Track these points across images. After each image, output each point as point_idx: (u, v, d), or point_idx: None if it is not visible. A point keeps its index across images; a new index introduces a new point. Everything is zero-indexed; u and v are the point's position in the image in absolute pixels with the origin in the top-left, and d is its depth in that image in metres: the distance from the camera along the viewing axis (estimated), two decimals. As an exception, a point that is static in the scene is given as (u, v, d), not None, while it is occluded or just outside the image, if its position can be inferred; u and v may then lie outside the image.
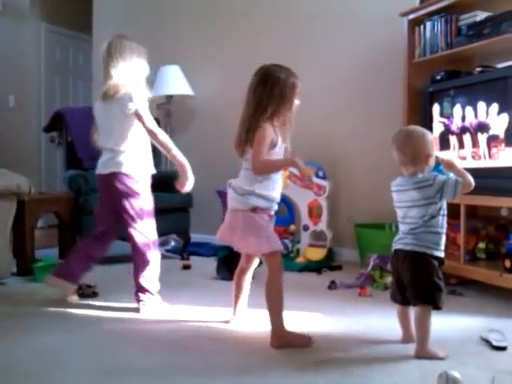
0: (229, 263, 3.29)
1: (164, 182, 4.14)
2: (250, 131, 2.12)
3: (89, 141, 2.79)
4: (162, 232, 4.00)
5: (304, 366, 1.85)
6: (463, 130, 2.87)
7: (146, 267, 2.59)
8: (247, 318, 2.38)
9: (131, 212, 2.58)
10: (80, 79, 6.56)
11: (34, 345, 2.07)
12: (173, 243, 4.54)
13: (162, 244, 4.54)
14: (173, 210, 3.91)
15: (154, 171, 2.74)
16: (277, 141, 2.13)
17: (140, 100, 2.49)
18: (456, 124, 2.92)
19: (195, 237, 4.23)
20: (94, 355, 1.97)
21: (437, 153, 2.09)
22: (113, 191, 2.55)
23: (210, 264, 3.55)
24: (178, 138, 4.84)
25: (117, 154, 2.54)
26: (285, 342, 2.03)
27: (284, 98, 2.11)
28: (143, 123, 2.51)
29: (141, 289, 2.58)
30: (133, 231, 2.59)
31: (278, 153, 2.16)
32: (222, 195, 4.19)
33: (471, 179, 1.94)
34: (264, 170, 2.13)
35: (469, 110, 2.84)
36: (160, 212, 3.83)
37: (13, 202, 3.12)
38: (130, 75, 2.54)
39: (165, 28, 4.96)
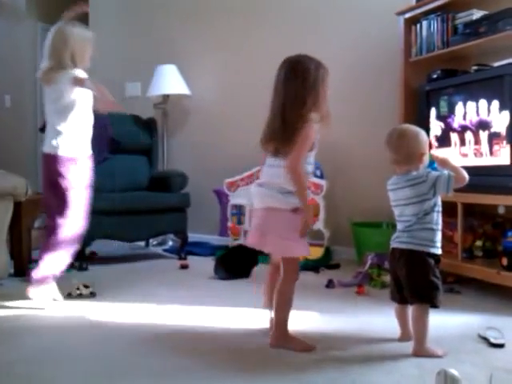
0: (226, 263, 3.30)
1: (161, 182, 4.15)
2: (290, 128, 1.96)
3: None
4: (159, 232, 4.04)
5: (302, 364, 1.85)
6: (464, 127, 2.88)
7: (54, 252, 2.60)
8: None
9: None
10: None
11: (31, 346, 2.07)
12: (170, 243, 4.54)
13: (159, 244, 4.56)
14: (170, 209, 3.90)
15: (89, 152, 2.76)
16: (315, 144, 2.02)
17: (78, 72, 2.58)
18: (458, 122, 2.92)
19: (193, 236, 4.23)
20: (93, 356, 1.96)
21: (433, 151, 2.10)
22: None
23: (207, 264, 3.55)
24: (175, 138, 4.85)
25: (57, 134, 2.62)
26: (284, 344, 1.99)
27: (318, 89, 1.98)
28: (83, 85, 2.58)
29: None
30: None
31: (311, 155, 2.05)
32: (220, 194, 4.20)
33: (465, 174, 1.94)
34: (295, 179, 1.96)
35: (467, 107, 2.85)
36: (157, 212, 3.86)
37: (9, 203, 3.11)
38: (71, 61, 2.61)
39: (161, 27, 4.95)
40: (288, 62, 2.03)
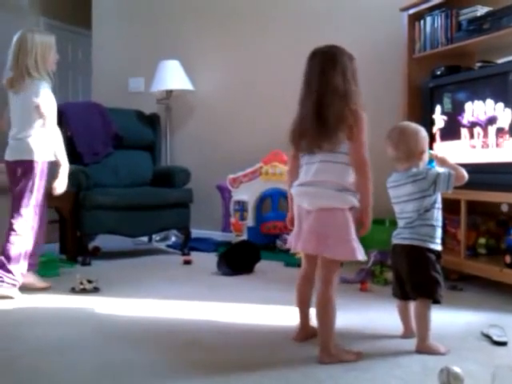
0: (229, 259, 3.31)
1: (164, 178, 4.15)
2: (335, 122, 1.83)
3: (89, 136, 2.83)
4: (162, 227, 4.05)
5: (305, 360, 1.85)
6: (469, 123, 2.87)
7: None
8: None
9: None
10: (79, 74, 6.55)
11: (35, 340, 2.08)
12: (173, 239, 4.55)
13: (162, 239, 4.57)
14: (173, 205, 3.91)
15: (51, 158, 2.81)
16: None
17: (43, 95, 2.67)
18: (462, 118, 2.91)
19: (196, 232, 4.23)
20: (96, 351, 1.97)
21: (433, 152, 2.10)
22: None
23: (210, 259, 3.55)
24: (178, 133, 4.85)
25: (22, 141, 2.70)
26: (336, 359, 1.82)
27: (356, 81, 1.91)
28: (44, 118, 2.69)
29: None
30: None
31: None
32: (222, 190, 4.20)
33: (464, 173, 1.96)
34: (366, 171, 1.86)
35: (471, 104, 2.84)
36: (160, 207, 3.87)
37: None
38: (35, 67, 2.68)
39: (164, 23, 4.94)
40: (321, 53, 1.94)
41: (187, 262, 3.61)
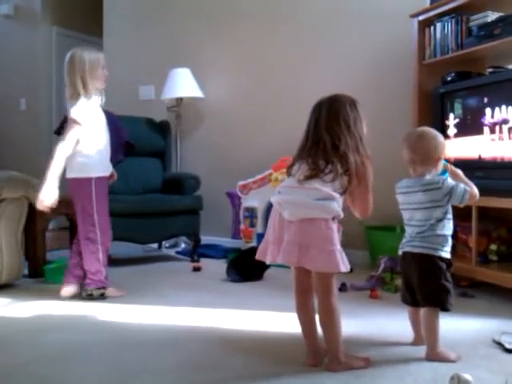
0: (239, 265, 3.30)
1: (174, 185, 4.16)
2: (345, 163, 1.83)
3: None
4: (172, 234, 4.05)
5: (315, 368, 1.84)
6: (481, 127, 2.85)
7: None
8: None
9: None
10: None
11: (45, 346, 2.08)
12: (183, 245, 4.56)
13: (172, 246, 4.57)
14: (183, 212, 3.92)
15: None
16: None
17: (77, 112, 2.70)
18: (474, 124, 2.90)
19: (205, 239, 4.24)
20: (106, 357, 1.97)
21: (451, 165, 2.08)
22: None
23: (220, 266, 3.55)
24: (188, 141, 4.87)
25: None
26: (346, 367, 1.81)
27: (360, 134, 1.92)
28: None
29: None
30: None
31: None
32: (232, 197, 4.20)
33: (476, 191, 1.96)
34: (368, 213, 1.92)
35: (482, 110, 2.83)
36: (170, 214, 3.88)
37: (24, 205, 3.15)
38: (81, 86, 2.73)
39: (175, 31, 4.98)
40: (324, 105, 1.92)
41: (196, 269, 3.61)
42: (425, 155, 1.96)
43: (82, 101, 2.73)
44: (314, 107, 1.95)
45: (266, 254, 1.89)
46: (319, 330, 1.86)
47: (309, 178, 1.82)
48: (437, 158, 1.97)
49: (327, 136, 1.86)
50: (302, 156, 1.91)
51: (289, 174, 1.93)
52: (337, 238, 1.79)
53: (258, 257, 1.95)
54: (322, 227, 1.77)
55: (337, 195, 1.80)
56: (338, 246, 1.78)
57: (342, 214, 1.82)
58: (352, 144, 1.87)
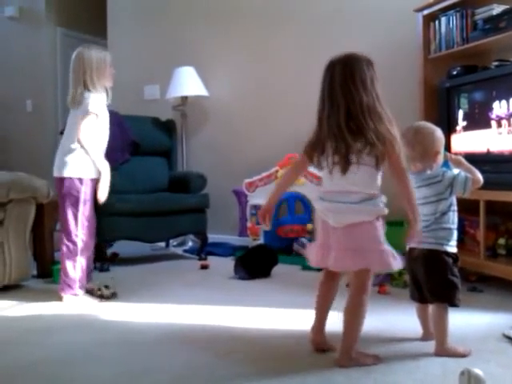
0: (246, 263, 3.30)
1: (180, 183, 4.17)
2: (372, 139, 1.75)
3: (106, 143, 2.85)
4: (179, 232, 4.06)
5: (324, 363, 1.84)
6: (488, 121, 2.83)
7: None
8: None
9: None
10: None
11: (54, 346, 2.09)
12: (190, 243, 4.56)
13: (179, 244, 4.58)
14: (190, 210, 3.92)
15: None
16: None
17: (93, 106, 2.68)
18: (481, 117, 2.88)
19: (212, 237, 4.24)
20: (115, 356, 1.98)
21: (451, 154, 2.08)
22: None
23: (227, 264, 3.55)
24: (194, 139, 4.87)
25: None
26: (355, 363, 1.81)
27: (376, 89, 1.82)
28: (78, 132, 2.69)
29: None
30: None
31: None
32: (239, 195, 4.20)
33: (480, 176, 1.95)
34: (407, 182, 1.81)
35: (488, 103, 2.81)
36: (177, 213, 3.88)
37: (32, 205, 3.16)
38: (91, 82, 2.72)
39: (179, 30, 4.97)
40: (338, 64, 1.82)
41: (204, 267, 3.61)
42: (423, 151, 1.95)
43: (94, 95, 2.71)
44: (326, 67, 1.85)
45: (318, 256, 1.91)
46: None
47: (345, 168, 1.78)
48: (435, 152, 1.95)
49: (342, 99, 1.77)
50: (322, 133, 1.82)
51: (311, 158, 1.88)
52: (383, 236, 1.81)
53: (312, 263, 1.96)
54: (369, 229, 1.79)
55: (377, 192, 1.80)
56: (385, 245, 1.80)
57: (386, 211, 1.81)
58: (371, 107, 1.78)
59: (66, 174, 2.70)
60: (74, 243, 2.72)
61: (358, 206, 1.78)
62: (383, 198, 1.83)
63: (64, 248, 2.73)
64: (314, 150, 1.87)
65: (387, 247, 1.80)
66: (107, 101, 2.82)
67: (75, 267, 2.72)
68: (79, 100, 2.70)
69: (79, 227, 2.73)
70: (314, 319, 2.00)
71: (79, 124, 2.68)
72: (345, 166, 1.78)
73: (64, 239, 2.73)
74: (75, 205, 2.71)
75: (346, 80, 1.79)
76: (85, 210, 2.74)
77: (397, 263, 1.80)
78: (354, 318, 1.83)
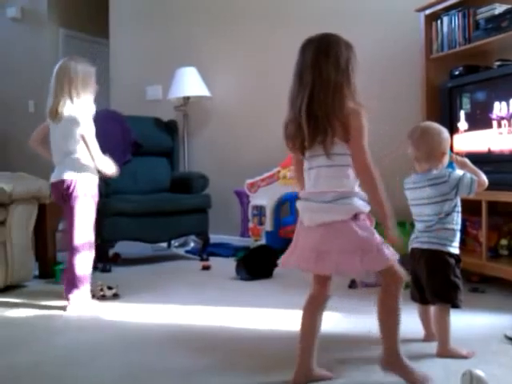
0: (248, 263, 3.30)
1: (182, 184, 4.17)
2: (333, 117, 1.60)
3: (108, 144, 2.85)
4: (181, 233, 4.06)
5: (326, 365, 1.83)
6: (490, 121, 2.83)
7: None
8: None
9: None
10: (97, 83, 6.61)
11: (57, 346, 2.10)
12: (192, 244, 4.56)
13: (181, 245, 4.58)
14: (191, 211, 3.92)
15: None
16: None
17: (85, 124, 2.65)
18: (483, 117, 2.87)
19: (214, 237, 4.24)
20: (118, 357, 1.98)
21: (457, 155, 2.07)
22: None
23: (229, 264, 3.55)
24: (196, 139, 4.87)
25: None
26: (399, 371, 1.68)
27: (352, 71, 1.68)
28: (88, 147, 2.66)
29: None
30: None
31: None
32: (240, 195, 4.21)
33: (485, 178, 1.94)
34: (371, 177, 1.62)
35: (491, 103, 2.80)
36: (179, 213, 3.88)
37: (34, 206, 3.16)
38: (77, 94, 2.70)
39: (181, 30, 4.98)
40: (314, 42, 1.69)
41: (206, 268, 3.61)
42: (429, 152, 1.95)
43: (82, 107, 2.69)
44: (302, 45, 1.72)
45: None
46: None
47: (314, 154, 1.65)
48: (441, 153, 1.95)
49: (310, 76, 1.63)
50: (294, 112, 1.67)
51: (296, 152, 1.73)
52: (365, 236, 1.64)
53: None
54: (342, 229, 1.63)
55: (351, 189, 1.64)
56: (371, 244, 1.65)
57: (365, 210, 1.66)
58: (338, 86, 1.63)
59: (67, 176, 2.67)
60: (85, 244, 2.71)
61: (330, 204, 1.62)
62: (362, 195, 1.66)
63: (75, 248, 2.69)
64: (293, 141, 1.71)
65: (370, 248, 1.64)
66: (92, 113, 2.76)
67: (84, 267, 2.71)
68: (61, 111, 2.66)
69: (88, 227, 2.73)
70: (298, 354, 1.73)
71: (88, 145, 2.65)
72: (308, 151, 1.66)
73: (75, 240, 2.69)
74: (84, 205, 2.70)
75: (318, 56, 1.65)
76: (91, 210, 2.73)
77: (382, 262, 1.66)
78: (384, 321, 1.75)
